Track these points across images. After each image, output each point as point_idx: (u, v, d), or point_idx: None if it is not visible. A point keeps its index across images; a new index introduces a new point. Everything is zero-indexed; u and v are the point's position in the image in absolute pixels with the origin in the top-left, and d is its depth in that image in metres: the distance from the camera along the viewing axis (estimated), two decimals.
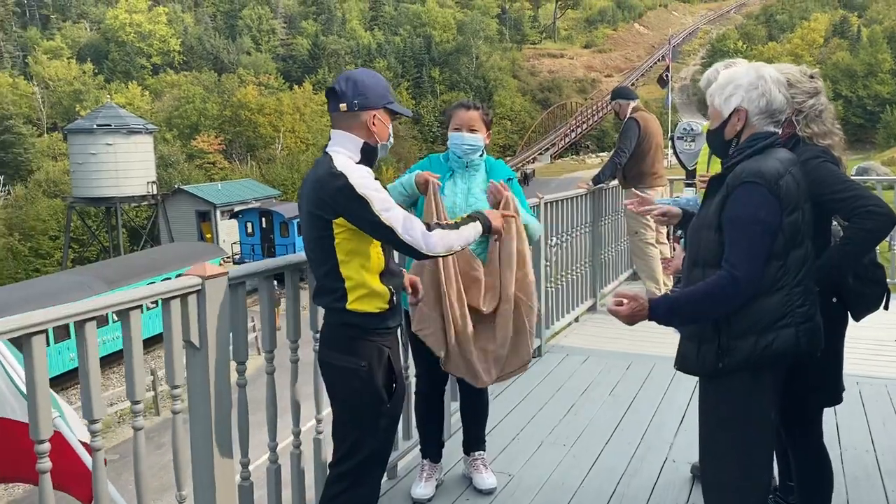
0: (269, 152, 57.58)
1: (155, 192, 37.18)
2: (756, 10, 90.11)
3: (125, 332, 2.30)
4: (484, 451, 3.74)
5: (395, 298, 2.64)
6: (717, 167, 3.61)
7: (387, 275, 2.62)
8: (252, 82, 64.29)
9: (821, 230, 2.68)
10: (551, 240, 5.95)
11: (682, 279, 2.62)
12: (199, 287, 2.52)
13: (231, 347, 2.72)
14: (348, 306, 2.56)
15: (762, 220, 2.30)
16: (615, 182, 7.31)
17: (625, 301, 2.43)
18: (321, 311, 2.79)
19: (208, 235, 39.22)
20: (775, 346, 2.34)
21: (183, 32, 75.39)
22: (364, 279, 2.56)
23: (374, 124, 2.60)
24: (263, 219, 35.31)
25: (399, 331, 2.81)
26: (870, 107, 59.20)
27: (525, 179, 50.75)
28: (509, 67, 74.79)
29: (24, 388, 3.01)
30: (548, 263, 5.89)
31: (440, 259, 3.10)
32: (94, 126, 35.65)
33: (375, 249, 2.58)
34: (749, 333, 2.34)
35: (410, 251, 2.55)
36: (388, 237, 2.51)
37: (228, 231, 38.74)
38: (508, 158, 60.00)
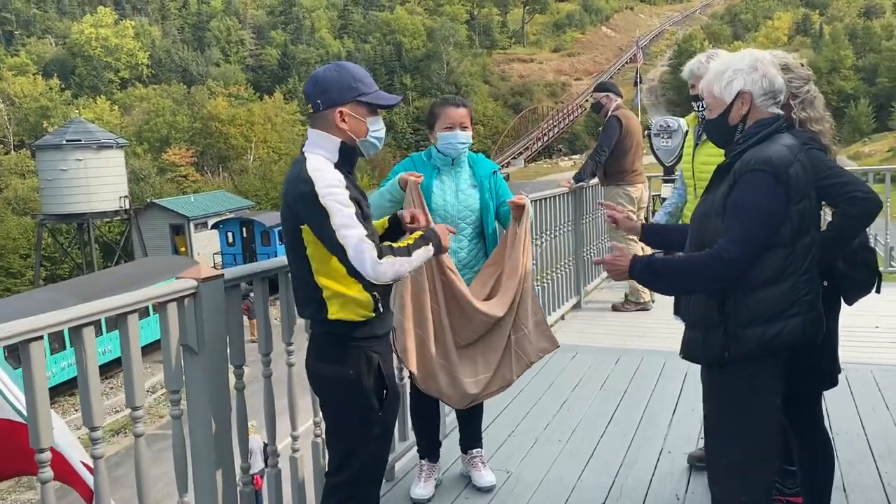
0: (241, 163, 57.18)
1: (127, 207, 36.66)
2: (721, 11, 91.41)
3: (123, 338, 2.25)
4: (481, 448, 3.73)
5: (380, 305, 2.53)
6: (704, 159, 3.64)
7: (370, 282, 2.44)
8: (222, 94, 63.91)
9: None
10: (536, 239, 5.96)
11: None
12: (195, 290, 2.48)
13: (228, 351, 2.68)
14: (330, 317, 2.47)
15: (764, 209, 2.29)
16: (595, 180, 7.35)
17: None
18: (299, 323, 2.72)
19: (182, 249, 38.74)
20: (784, 336, 2.35)
21: (151, 45, 74.65)
22: (342, 288, 2.44)
23: (343, 121, 2.46)
24: (244, 228, 35.11)
25: (391, 335, 2.75)
26: (834, 102, 60.06)
27: None
28: (480, 73, 75.05)
29: (17, 406, 2.95)
30: (534, 262, 5.90)
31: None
32: (64, 141, 35.08)
33: None
34: (757, 323, 2.34)
35: (357, 276, 2.40)
36: (339, 256, 2.37)
37: (203, 244, 38.34)
38: None
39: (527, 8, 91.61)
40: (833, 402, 4.18)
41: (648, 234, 2.93)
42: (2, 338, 1.89)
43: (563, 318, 6.83)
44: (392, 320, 2.75)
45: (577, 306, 7.22)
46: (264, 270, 2.83)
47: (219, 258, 36.23)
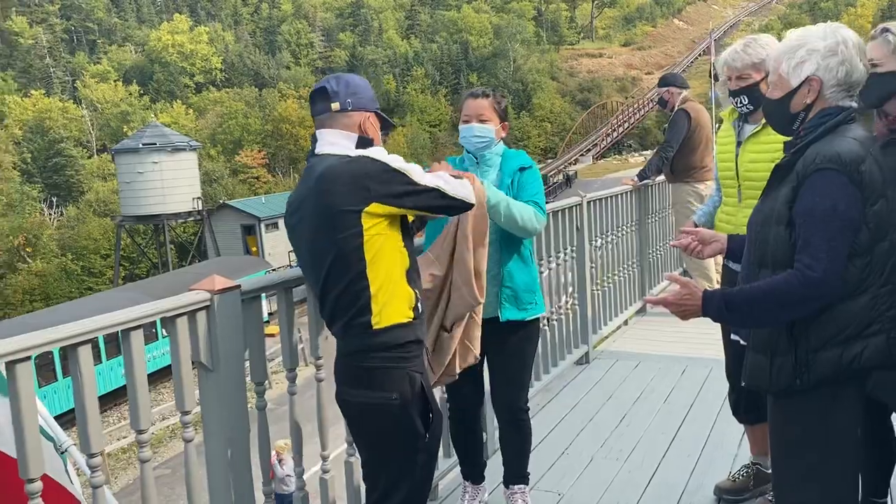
0: None
1: (200, 208, 37.66)
2: None
3: (126, 356, 2.09)
4: (526, 485, 3.30)
5: (419, 305, 2.37)
6: (753, 157, 3.24)
7: (412, 274, 2.38)
8: (292, 96, 64.94)
9: None
10: (596, 240, 5.65)
11: (743, 282, 2.30)
12: (208, 303, 2.30)
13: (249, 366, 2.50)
14: (373, 320, 2.25)
15: (842, 214, 1.95)
16: (662, 177, 6.96)
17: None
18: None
19: (254, 249, 39.58)
20: (864, 359, 2.01)
21: (224, 50, 76.58)
22: (390, 281, 2.28)
23: (367, 127, 2.40)
24: None
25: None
26: None
27: (567, 181, 50.17)
28: (547, 69, 74.18)
29: (49, 431, 2.84)
30: (593, 265, 5.59)
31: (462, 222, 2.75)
32: (140, 145, 36.28)
33: (401, 245, 2.35)
34: (832, 344, 2.00)
35: (457, 206, 2.43)
36: (433, 200, 2.35)
37: (273, 243, 39.03)
38: (549, 161, 59.46)
39: (595, 2, 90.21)
40: None
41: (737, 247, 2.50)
42: None
43: (625, 323, 6.49)
44: (426, 326, 2.53)
45: (641, 311, 6.85)
46: (286, 281, 2.64)
47: (293, 255, 36.77)
